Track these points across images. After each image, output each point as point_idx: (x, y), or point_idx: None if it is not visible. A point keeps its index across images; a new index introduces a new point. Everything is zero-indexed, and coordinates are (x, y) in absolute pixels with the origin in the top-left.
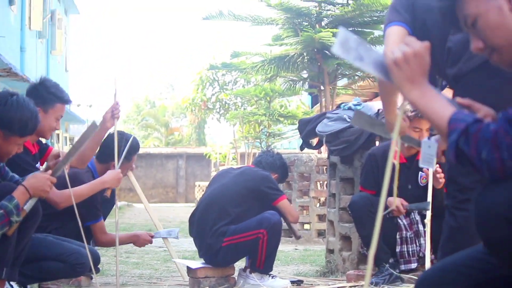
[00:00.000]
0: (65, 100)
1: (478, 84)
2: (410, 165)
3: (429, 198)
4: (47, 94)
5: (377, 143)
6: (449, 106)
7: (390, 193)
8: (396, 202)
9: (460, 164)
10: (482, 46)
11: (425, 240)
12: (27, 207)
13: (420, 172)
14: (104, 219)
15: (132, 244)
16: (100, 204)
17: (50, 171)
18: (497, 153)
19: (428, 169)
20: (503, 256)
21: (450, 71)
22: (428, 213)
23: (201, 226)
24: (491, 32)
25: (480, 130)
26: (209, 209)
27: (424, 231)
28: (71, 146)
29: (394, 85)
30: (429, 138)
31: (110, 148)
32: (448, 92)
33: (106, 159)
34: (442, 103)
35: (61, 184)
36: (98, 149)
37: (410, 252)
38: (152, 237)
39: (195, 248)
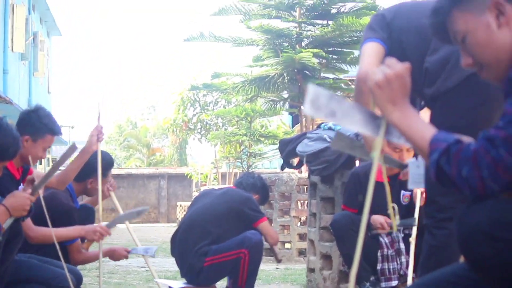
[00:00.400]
0: (55, 132)
1: (455, 104)
2: (392, 183)
3: (416, 215)
4: (39, 124)
5: (357, 162)
6: (430, 127)
7: (372, 212)
8: (380, 219)
9: (441, 183)
10: (472, 62)
11: (406, 258)
12: (6, 225)
13: (402, 191)
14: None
15: (109, 258)
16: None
17: (29, 190)
18: (477, 172)
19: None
20: (486, 273)
21: (428, 91)
22: (414, 230)
23: (183, 246)
24: (480, 49)
25: (461, 150)
26: (190, 229)
27: (405, 249)
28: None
29: (372, 134)
30: (416, 158)
31: (86, 167)
32: (426, 112)
33: (83, 178)
34: (423, 124)
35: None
36: None
37: (391, 270)
38: (128, 252)
39: (177, 268)
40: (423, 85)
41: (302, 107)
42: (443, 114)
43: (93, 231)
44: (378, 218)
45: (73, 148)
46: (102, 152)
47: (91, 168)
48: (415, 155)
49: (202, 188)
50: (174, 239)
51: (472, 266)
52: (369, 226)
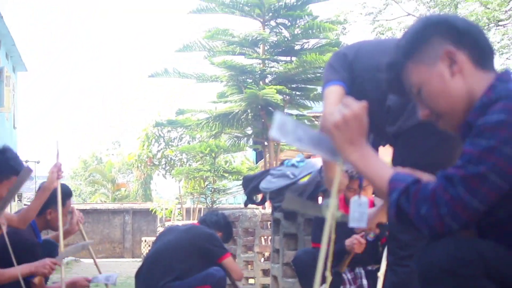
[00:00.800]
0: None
1: (417, 142)
2: None
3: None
4: (6, 165)
5: (320, 199)
6: (388, 167)
7: (340, 246)
8: (352, 239)
9: (401, 222)
10: (429, 113)
11: None
12: None
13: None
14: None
15: None
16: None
17: None
18: (436, 210)
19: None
20: None
21: (390, 129)
22: (383, 266)
23: (147, 282)
24: (435, 99)
25: (420, 190)
26: (155, 265)
27: (368, 285)
28: (18, 202)
29: (334, 161)
30: (358, 196)
31: None
32: (388, 150)
33: (41, 210)
34: (381, 164)
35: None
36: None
37: None
38: (89, 281)
39: None
40: (385, 123)
41: (265, 143)
42: (405, 152)
43: (42, 265)
44: (350, 240)
45: (27, 171)
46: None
47: (48, 198)
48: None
49: (167, 224)
50: (139, 275)
51: None
52: (333, 263)
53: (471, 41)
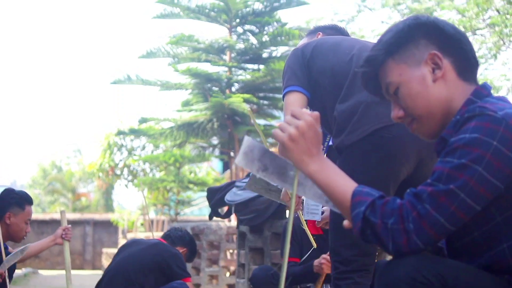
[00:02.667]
0: None
1: (358, 159)
2: (326, 237)
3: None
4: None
5: (287, 212)
6: (350, 180)
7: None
8: (323, 256)
9: (364, 237)
10: (403, 114)
11: None
12: None
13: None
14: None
15: None
16: None
17: None
18: (402, 225)
19: None
20: None
21: (336, 140)
22: None
23: None
24: (412, 101)
25: (387, 203)
26: (115, 278)
27: None
28: None
29: (301, 194)
30: None
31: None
32: None
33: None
34: (342, 177)
35: None
36: None
37: None
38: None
39: None
40: (331, 133)
41: (232, 153)
42: (346, 167)
43: None
44: (318, 260)
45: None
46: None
47: (4, 203)
48: None
49: (129, 235)
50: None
51: None
52: (301, 280)
53: (458, 50)
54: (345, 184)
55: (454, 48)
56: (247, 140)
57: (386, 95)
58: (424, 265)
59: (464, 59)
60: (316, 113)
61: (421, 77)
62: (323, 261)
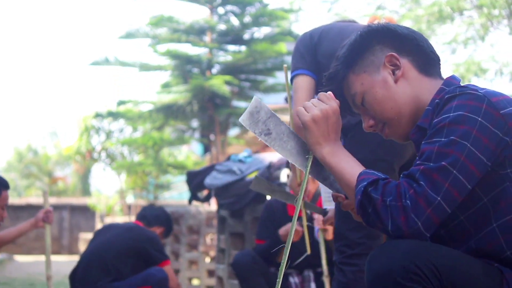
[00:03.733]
0: None
1: (365, 138)
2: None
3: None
4: None
5: (268, 197)
6: (359, 165)
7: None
8: (289, 225)
9: (363, 214)
10: (373, 123)
11: None
12: None
13: (316, 226)
14: None
15: None
16: None
17: None
18: (400, 202)
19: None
20: None
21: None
22: (325, 269)
23: (83, 284)
24: (379, 106)
25: (389, 183)
26: (92, 265)
27: None
28: None
29: (298, 166)
30: None
31: None
32: None
33: None
34: (352, 161)
35: None
36: None
37: None
38: None
39: None
40: None
41: (212, 136)
42: (353, 147)
43: None
44: (285, 228)
45: None
46: None
47: None
48: None
49: (106, 220)
50: (74, 275)
51: None
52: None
53: (413, 48)
54: (353, 167)
55: (410, 46)
56: (255, 100)
57: (355, 109)
58: (417, 253)
59: (422, 55)
60: (338, 101)
61: (382, 81)
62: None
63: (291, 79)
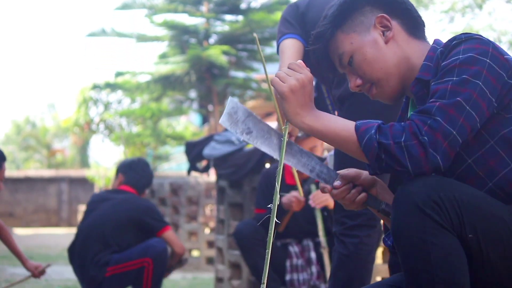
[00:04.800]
0: None
1: (363, 106)
2: (303, 186)
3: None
4: None
5: (267, 165)
6: (347, 120)
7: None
8: (289, 196)
9: (379, 164)
10: (361, 82)
11: (317, 268)
12: None
13: (309, 196)
14: None
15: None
16: None
17: None
18: (416, 140)
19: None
20: (403, 249)
21: (336, 92)
22: (323, 240)
23: (82, 257)
24: (369, 66)
25: (393, 125)
26: (89, 238)
27: (316, 259)
28: None
29: (285, 162)
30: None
31: None
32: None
33: None
34: (339, 119)
35: None
36: None
37: (301, 281)
38: None
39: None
40: (331, 85)
41: (210, 107)
42: (350, 115)
43: None
44: (287, 197)
45: None
46: None
47: None
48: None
49: None
50: (73, 249)
51: (395, 239)
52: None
53: (402, 11)
54: (344, 124)
55: (399, 9)
56: (231, 100)
57: (341, 68)
58: (444, 187)
59: (411, 18)
60: (301, 62)
61: (373, 41)
62: (293, 199)
63: (278, 46)
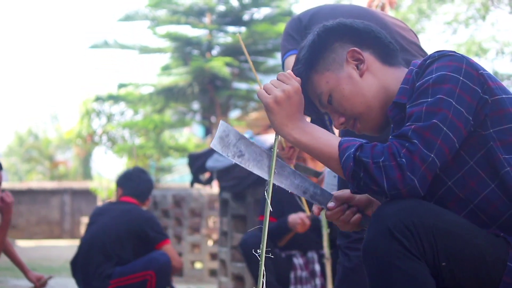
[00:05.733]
0: None
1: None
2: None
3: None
4: None
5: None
6: (334, 135)
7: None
8: (296, 216)
9: (357, 181)
10: (344, 120)
11: (320, 280)
12: None
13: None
14: None
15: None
16: None
17: None
18: (395, 161)
19: None
20: (369, 269)
21: (320, 112)
22: (327, 251)
23: (85, 270)
24: (348, 102)
25: (375, 145)
26: (91, 250)
27: (321, 271)
28: None
29: (278, 184)
30: None
31: None
32: None
33: None
34: (325, 134)
35: None
36: None
37: None
38: None
39: None
40: None
41: (213, 118)
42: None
43: None
44: (294, 217)
45: None
46: None
47: None
48: None
49: None
50: (75, 262)
51: (364, 261)
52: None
53: (372, 40)
54: (329, 139)
55: (369, 39)
56: (222, 124)
57: (322, 108)
58: (418, 212)
59: (382, 46)
60: (298, 78)
61: (348, 77)
62: (299, 220)
63: (283, 62)
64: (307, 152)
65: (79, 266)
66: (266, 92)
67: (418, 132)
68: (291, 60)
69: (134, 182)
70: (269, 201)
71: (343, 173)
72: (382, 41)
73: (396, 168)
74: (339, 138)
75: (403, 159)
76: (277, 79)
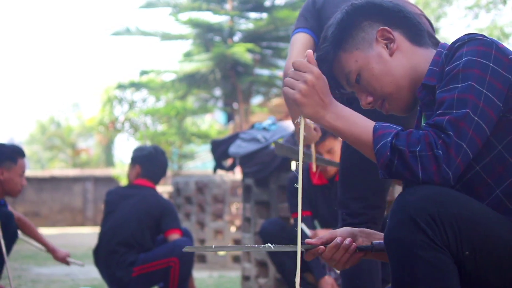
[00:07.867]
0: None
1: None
2: (331, 186)
3: None
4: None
5: (293, 163)
6: (368, 120)
7: (316, 216)
8: (330, 282)
9: (391, 169)
10: (372, 99)
11: None
12: None
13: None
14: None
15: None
16: None
17: None
18: (431, 151)
19: None
20: (392, 259)
21: (345, 91)
22: None
23: (108, 261)
24: (378, 82)
25: (411, 133)
26: (112, 241)
27: None
28: None
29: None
30: None
31: None
32: None
33: None
34: (360, 117)
35: None
36: None
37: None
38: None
39: None
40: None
41: (235, 104)
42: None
43: None
44: (325, 282)
45: None
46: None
47: None
48: None
49: None
50: (97, 252)
51: (387, 247)
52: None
53: (402, 20)
54: (364, 124)
55: (398, 19)
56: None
57: (349, 87)
58: (444, 201)
59: (411, 27)
60: (310, 51)
61: (377, 56)
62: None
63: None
64: (342, 137)
65: (102, 257)
66: (291, 88)
67: (453, 122)
68: (296, 37)
69: (155, 166)
70: (300, 198)
71: (376, 159)
72: (411, 21)
73: (432, 159)
74: (373, 123)
75: (440, 151)
76: (295, 68)
